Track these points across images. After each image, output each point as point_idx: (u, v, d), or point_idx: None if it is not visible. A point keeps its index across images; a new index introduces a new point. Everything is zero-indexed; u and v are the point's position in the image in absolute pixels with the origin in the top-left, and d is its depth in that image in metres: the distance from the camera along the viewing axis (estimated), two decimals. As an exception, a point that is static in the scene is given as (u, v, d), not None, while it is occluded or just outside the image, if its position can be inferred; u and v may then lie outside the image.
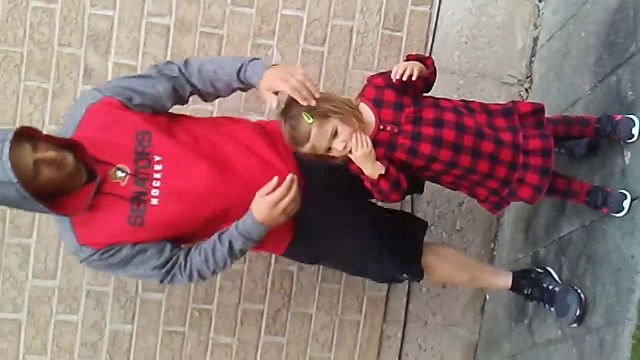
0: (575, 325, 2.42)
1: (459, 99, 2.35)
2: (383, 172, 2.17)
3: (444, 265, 2.63)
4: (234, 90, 2.32)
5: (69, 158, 2.05)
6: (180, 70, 2.28)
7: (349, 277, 3.20)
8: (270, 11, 3.12)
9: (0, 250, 3.03)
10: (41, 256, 3.05)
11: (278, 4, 3.12)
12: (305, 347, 3.23)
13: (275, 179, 2.08)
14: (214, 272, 2.25)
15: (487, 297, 3.29)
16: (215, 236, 2.21)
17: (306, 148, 2.11)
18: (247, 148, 2.29)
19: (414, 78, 2.14)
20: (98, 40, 3.03)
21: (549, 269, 2.68)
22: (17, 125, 1.93)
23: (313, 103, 2.08)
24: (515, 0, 3.24)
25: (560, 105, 2.80)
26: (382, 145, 2.17)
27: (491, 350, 3.16)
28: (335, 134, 2.10)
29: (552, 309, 2.53)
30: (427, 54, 3.17)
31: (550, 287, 2.56)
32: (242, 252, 2.22)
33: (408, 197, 3.15)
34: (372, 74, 2.30)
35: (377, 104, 2.18)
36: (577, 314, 2.39)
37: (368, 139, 2.12)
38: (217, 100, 2.62)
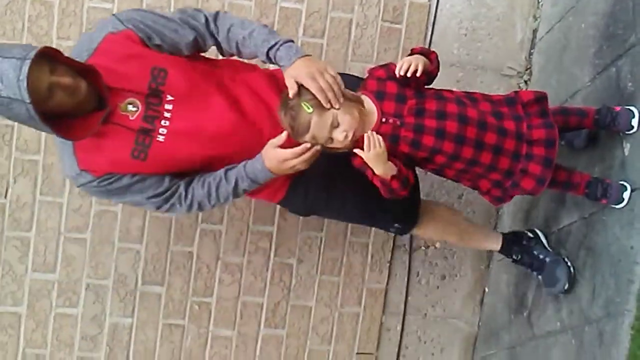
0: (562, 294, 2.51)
1: (460, 90, 2.35)
2: (395, 172, 2.14)
3: (436, 224, 2.67)
4: (254, 58, 2.30)
5: (83, 86, 2.05)
6: (207, 22, 2.26)
7: (348, 270, 3.21)
8: (269, 4, 3.11)
9: (0, 243, 3.03)
10: (41, 250, 3.05)
11: (277, -4, 3.12)
12: (305, 339, 3.23)
13: (284, 134, 2.10)
14: (213, 206, 2.29)
15: (487, 289, 3.30)
16: (221, 172, 2.23)
17: (307, 138, 2.09)
18: (259, 98, 2.27)
19: (418, 74, 2.13)
20: (96, 33, 3.02)
21: (538, 232, 2.72)
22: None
23: (337, 107, 2.06)
24: (514, -8, 3.25)
25: (560, 97, 2.79)
26: (385, 139, 2.13)
27: (490, 342, 3.17)
28: (336, 125, 2.08)
29: (540, 277, 2.60)
30: (426, 47, 3.16)
31: (541, 256, 2.61)
32: (245, 191, 2.27)
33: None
34: (371, 66, 2.29)
35: (379, 97, 2.17)
36: (565, 287, 2.47)
37: (380, 138, 2.07)
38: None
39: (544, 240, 2.69)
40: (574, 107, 2.59)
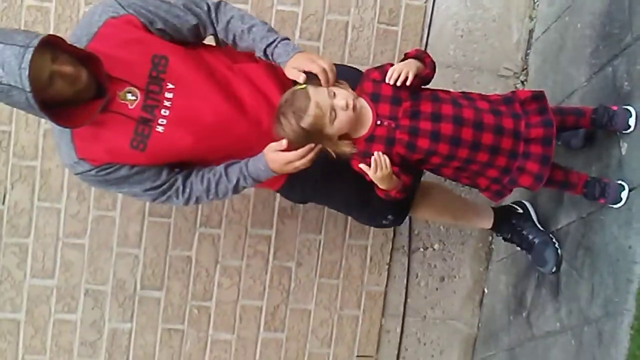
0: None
1: (457, 91, 2.35)
2: (400, 187, 2.18)
3: (430, 206, 2.72)
4: (249, 51, 2.31)
5: (83, 75, 2.03)
6: (209, 11, 2.26)
7: (347, 272, 3.21)
8: (265, 7, 3.12)
9: (-2, 250, 3.03)
10: (39, 255, 3.05)
11: (273, 0, 3.11)
12: (305, 342, 3.23)
13: (284, 141, 2.11)
14: (211, 200, 2.32)
15: (486, 290, 3.29)
16: (221, 168, 2.24)
17: (311, 110, 2.06)
18: (258, 90, 2.28)
19: (408, 83, 2.14)
20: (93, 38, 3.02)
21: (527, 206, 2.78)
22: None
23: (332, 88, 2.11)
24: (510, -8, 3.25)
25: (557, 97, 2.79)
26: (380, 141, 2.15)
27: (490, 343, 3.17)
28: (332, 95, 2.09)
29: (529, 256, 2.69)
30: (422, 48, 3.16)
31: (530, 237, 2.68)
32: (244, 188, 2.29)
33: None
34: (368, 68, 2.29)
35: (374, 99, 2.18)
36: (553, 270, 2.57)
37: (387, 160, 2.10)
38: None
39: (534, 215, 2.76)
40: (570, 106, 2.59)
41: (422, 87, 2.25)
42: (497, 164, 2.22)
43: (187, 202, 2.29)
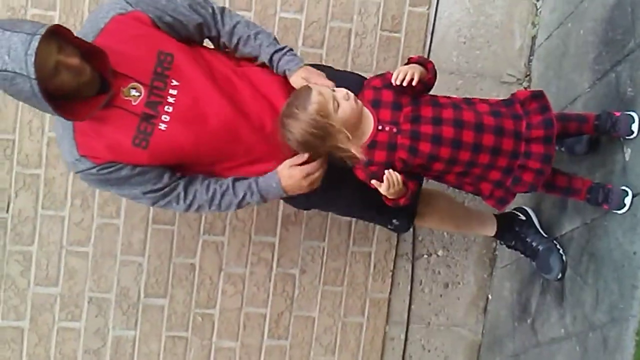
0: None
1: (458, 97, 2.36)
2: (408, 194, 2.20)
3: (433, 215, 2.73)
4: (250, 57, 2.33)
5: (88, 69, 2.04)
6: (214, 13, 2.28)
7: (351, 279, 3.21)
8: (268, 14, 3.12)
9: (2, 258, 3.03)
10: (43, 263, 3.05)
11: (276, 7, 3.12)
12: (309, 350, 3.22)
13: (305, 155, 2.17)
14: (212, 211, 2.32)
15: (490, 296, 3.29)
16: (229, 181, 2.25)
17: (314, 97, 2.07)
18: (261, 93, 2.28)
19: (414, 83, 2.14)
20: (96, 47, 3.03)
21: (530, 213, 2.78)
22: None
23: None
24: (512, -1, 3.26)
25: (560, 103, 2.79)
26: (383, 147, 2.16)
27: (494, 350, 3.16)
28: (332, 89, 2.13)
29: (534, 263, 2.69)
30: (425, 55, 3.17)
31: (534, 244, 2.68)
32: (248, 205, 2.29)
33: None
34: (370, 75, 2.31)
35: (375, 105, 2.18)
36: (559, 277, 2.57)
37: (399, 177, 2.12)
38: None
39: (536, 222, 2.76)
40: (573, 112, 2.59)
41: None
42: (498, 164, 2.22)
43: (188, 208, 2.28)
